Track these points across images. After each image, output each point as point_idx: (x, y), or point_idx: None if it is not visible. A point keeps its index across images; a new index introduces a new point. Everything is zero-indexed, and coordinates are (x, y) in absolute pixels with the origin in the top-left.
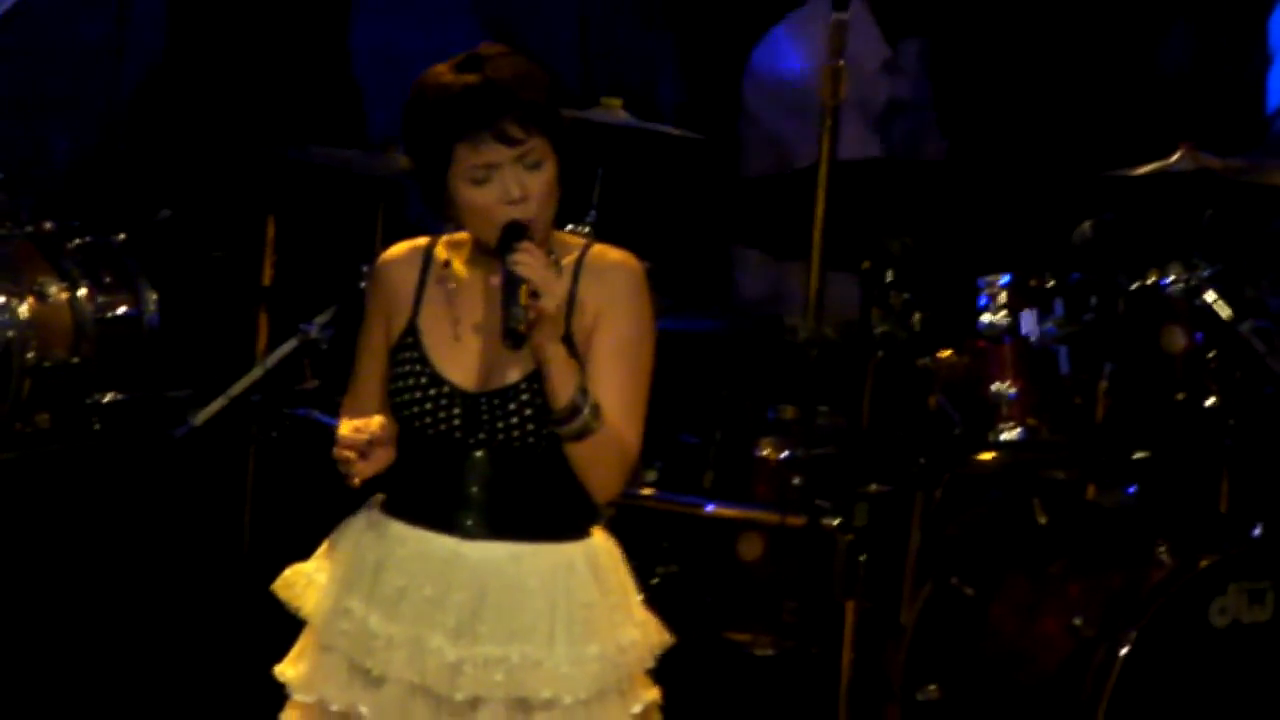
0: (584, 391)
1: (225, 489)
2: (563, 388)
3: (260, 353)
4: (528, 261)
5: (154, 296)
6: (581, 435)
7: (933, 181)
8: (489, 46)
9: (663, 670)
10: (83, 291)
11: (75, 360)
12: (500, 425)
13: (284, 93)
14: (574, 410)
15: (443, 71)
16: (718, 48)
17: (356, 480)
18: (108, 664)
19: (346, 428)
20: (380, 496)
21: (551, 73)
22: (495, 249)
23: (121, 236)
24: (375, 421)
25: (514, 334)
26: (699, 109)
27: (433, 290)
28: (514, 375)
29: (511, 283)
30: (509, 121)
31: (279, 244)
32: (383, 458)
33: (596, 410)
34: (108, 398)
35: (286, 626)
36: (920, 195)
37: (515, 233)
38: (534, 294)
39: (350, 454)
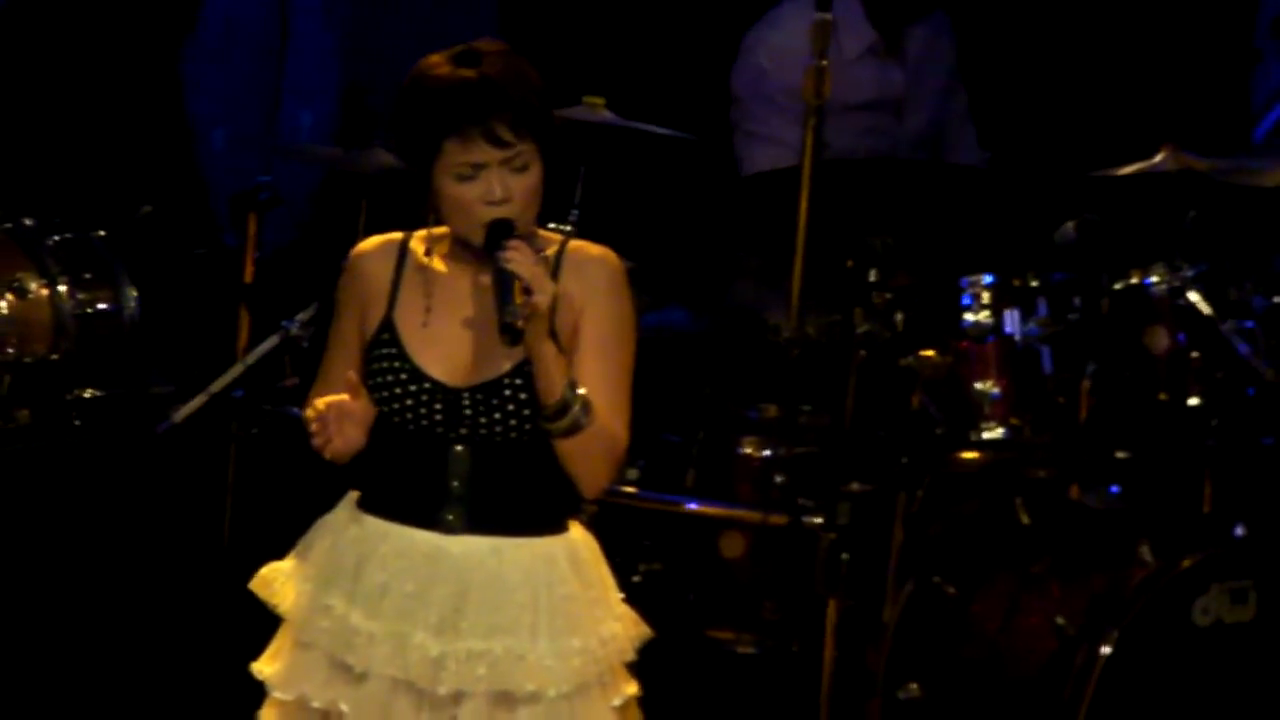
0: (573, 387)
1: (206, 485)
2: (553, 384)
3: (241, 349)
4: (519, 259)
5: (134, 293)
6: (571, 431)
7: (916, 181)
8: (487, 42)
9: (645, 667)
10: (63, 287)
11: (55, 356)
12: (482, 420)
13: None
14: (564, 406)
15: (439, 63)
16: (703, 44)
17: (328, 453)
18: (87, 660)
19: (320, 401)
20: (355, 493)
21: (542, 75)
22: (482, 247)
23: (102, 233)
24: (349, 397)
25: (511, 330)
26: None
27: (409, 284)
28: (495, 370)
29: (505, 279)
30: (501, 123)
31: (260, 241)
32: (354, 435)
33: (586, 405)
34: (88, 394)
35: (267, 623)
36: (903, 194)
37: (503, 230)
38: (526, 290)
39: (319, 421)
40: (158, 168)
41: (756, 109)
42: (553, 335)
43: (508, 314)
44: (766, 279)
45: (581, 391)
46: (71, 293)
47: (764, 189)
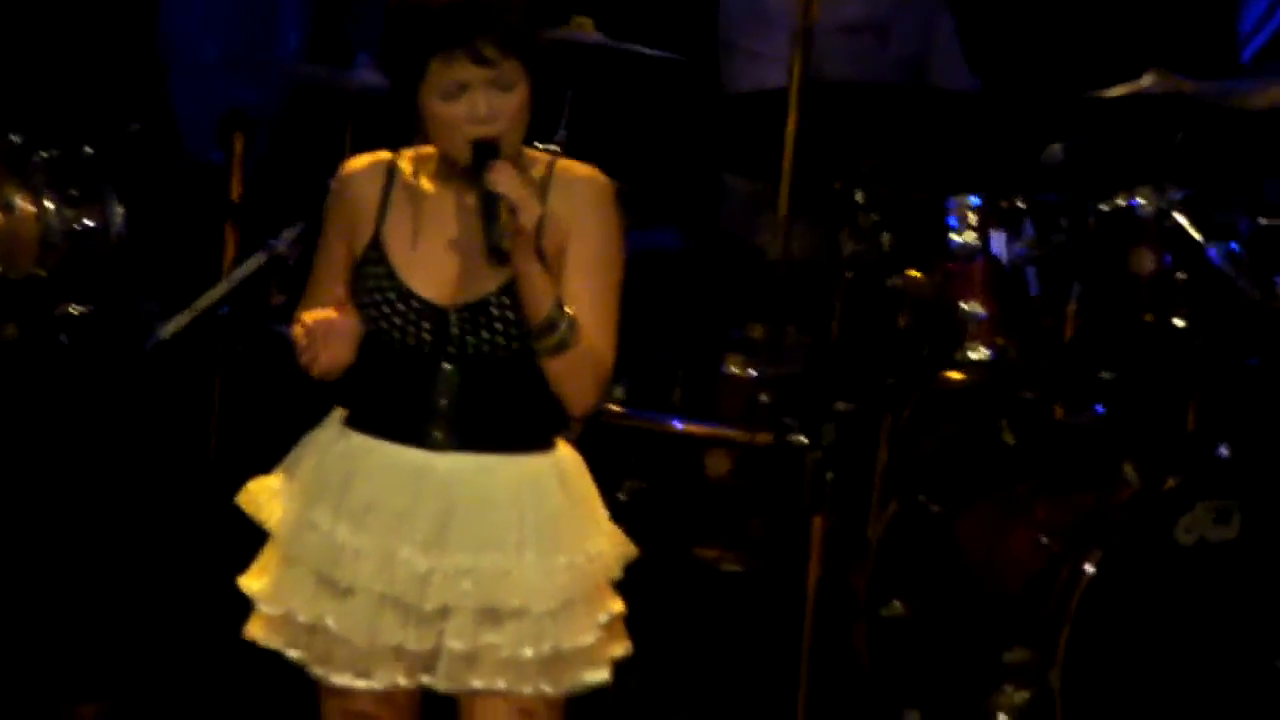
0: (560, 306)
1: (192, 402)
2: (539, 303)
3: (228, 267)
4: (503, 179)
5: (121, 209)
6: (558, 350)
7: (903, 102)
8: None
9: (630, 586)
10: (50, 204)
11: (42, 272)
12: (470, 339)
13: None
14: (551, 325)
15: None
16: None
17: (316, 371)
18: (75, 578)
19: (307, 316)
20: (342, 410)
21: None
22: (468, 168)
23: (89, 150)
24: (335, 312)
25: (498, 251)
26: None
27: (397, 204)
28: (484, 289)
29: (490, 200)
30: (485, 42)
31: (246, 158)
32: (341, 351)
33: (573, 324)
34: (75, 310)
35: (254, 539)
36: (890, 116)
37: (488, 151)
38: (512, 210)
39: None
40: (143, 85)
41: (746, 27)
42: (539, 255)
43: (494, 235)
44: (754, 200)
45: (568, 310)
46: (58, 209)
47: (752, 110)
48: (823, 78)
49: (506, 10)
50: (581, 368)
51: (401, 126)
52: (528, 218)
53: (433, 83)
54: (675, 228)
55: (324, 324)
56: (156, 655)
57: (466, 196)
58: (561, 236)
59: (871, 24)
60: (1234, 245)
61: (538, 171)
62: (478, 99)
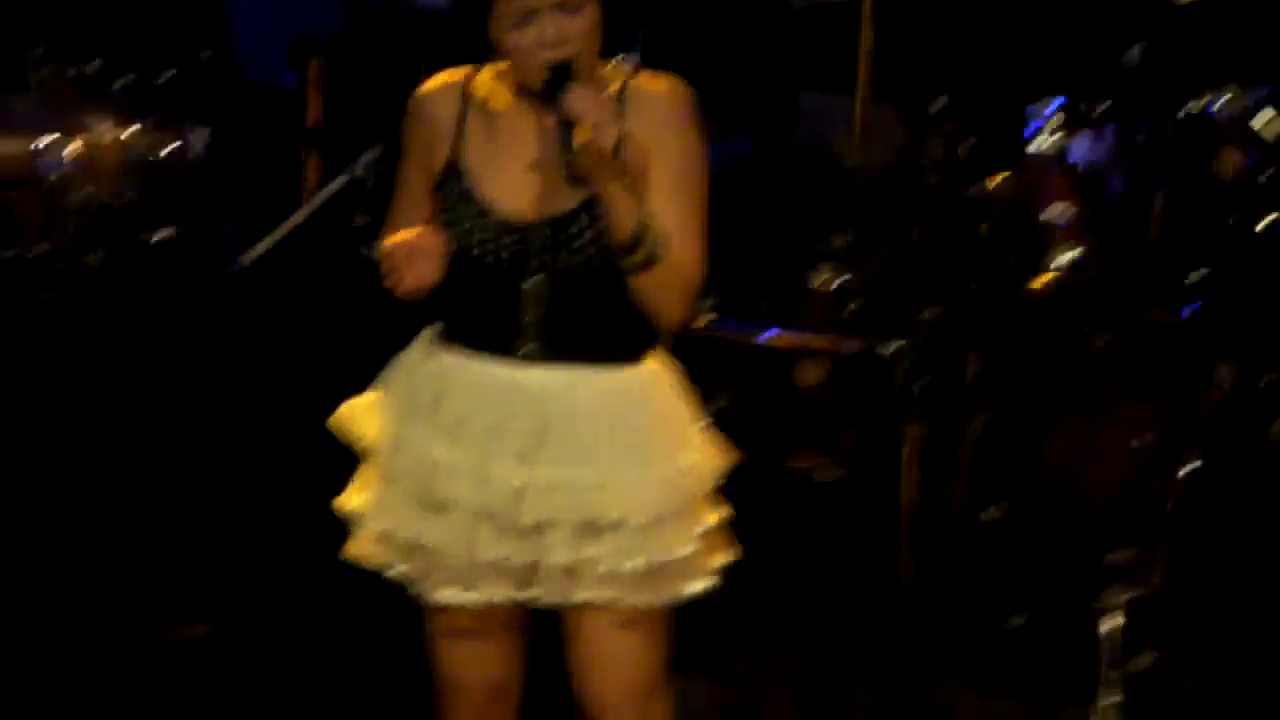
0: (645, 223)
1: (277, 325)
2: (624, 222)
3: (309, 190)
4: (582, 101)
5: (202, 134)
6: (645, 266)
7: (983, 7)
8: None
9: (724, 497)
10: (131, 130)
11: (125, 199)
12: (554, 254)
13: None
14: (636, 242)
15: None
16: None
17: (402, 291)
18: (177, 499)
19: (392, 239)
20: (432, 329)
21: None
22: (542, 92)
23: (169, 75)
24: (420, 231)
25: (576, 178)
26: None
27: (475, 122)
28: (566, 203)
29: (567, 126)
30: None
31: (326, 82)
32: (428, 271)
33: (659, 240)
34: (158, 236)
35: (349, 460)
36: (971, 22)
37: (562, 75)
38: (590, 135)
39: (390, 260)
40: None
41: None
42: (621, 171)
43: (573, 161)
44: (830, 112)
45: (654, 225)
46: (140, 135)
47: (825, 21)
48: None
49: None
50: (669, 283)
51: (476, 46)
52: (606, 140)
53: (500, 13)
54: (752, 140)
55: (407, 245)
56: (260, 577)
57: (544, 113)
58: (642, 151)
59: None
60: None
61: (614, 88)
62: (545, 24)
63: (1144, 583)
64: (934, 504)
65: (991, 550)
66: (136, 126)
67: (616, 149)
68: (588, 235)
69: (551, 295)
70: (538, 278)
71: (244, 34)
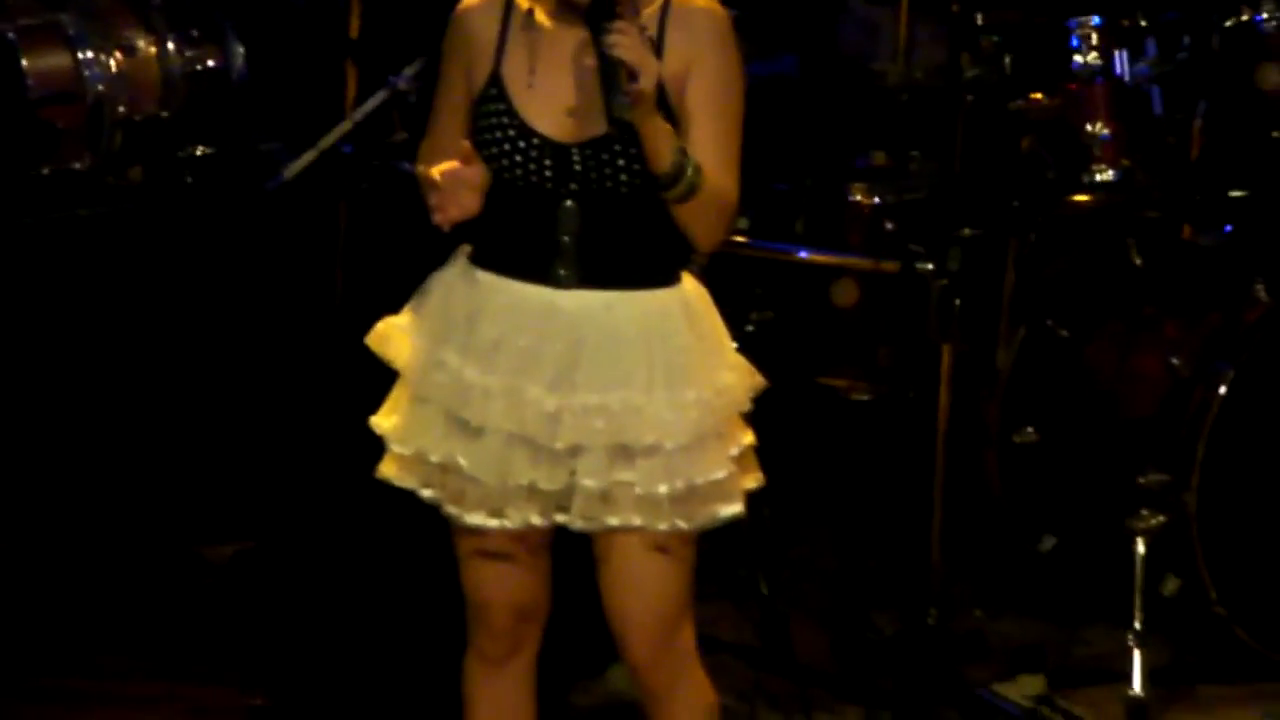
0: (684, 153)
1: (317, 242)
2: (663, 155)
3: (349, 105)
4: (622, 42)
5: (241, 49)
6: (686, 196)
7: None
8: None
9: (760, 416)
10: (171, 45)
11: (165, 114)
12: (592, 175)
13: None
14: (677, 173)
15: None
16: None
17: (445, 223)
18: (208, 417)
19: (434, 171)
20: (468, 248)
21: None
22: (586, 15)
23: None
24: (461, 165)
25: (619, 122)
26: None
27: (515, 39)
28: (603, 126)
29: (610, 67)
30: None
31: None
32: (470, 202)
33: (698, 169)
34: (199, 151)
35: (384, 378)
36: None
37: (604, 10)
38: (632, 75)
39: (435, 193)
40: None
41: None
42: (660, 93)
43: (614, 106)
44: (872, 24)
45: (692, 156)
46: (179, 50)
47: None
48: None
49: None
50: (707, 208)
51: None
52: (647, 80)
53: None
54: (794, 55)
55: (450, 176)
56: (291, 497)
57: (586, 33)
58: (681, 72)
59: None
60: None
61: (653, 7)
62: None
63: (1175, 505)
64: (970, 424)
65: (1026, 470)
66: (178, 40)
67: (658, 84)
68: (625, 157)
69: (588, 217)
70: (574, 200)
71: None
